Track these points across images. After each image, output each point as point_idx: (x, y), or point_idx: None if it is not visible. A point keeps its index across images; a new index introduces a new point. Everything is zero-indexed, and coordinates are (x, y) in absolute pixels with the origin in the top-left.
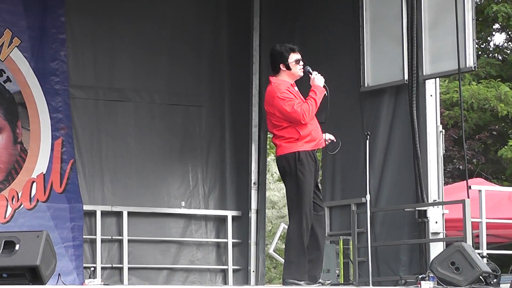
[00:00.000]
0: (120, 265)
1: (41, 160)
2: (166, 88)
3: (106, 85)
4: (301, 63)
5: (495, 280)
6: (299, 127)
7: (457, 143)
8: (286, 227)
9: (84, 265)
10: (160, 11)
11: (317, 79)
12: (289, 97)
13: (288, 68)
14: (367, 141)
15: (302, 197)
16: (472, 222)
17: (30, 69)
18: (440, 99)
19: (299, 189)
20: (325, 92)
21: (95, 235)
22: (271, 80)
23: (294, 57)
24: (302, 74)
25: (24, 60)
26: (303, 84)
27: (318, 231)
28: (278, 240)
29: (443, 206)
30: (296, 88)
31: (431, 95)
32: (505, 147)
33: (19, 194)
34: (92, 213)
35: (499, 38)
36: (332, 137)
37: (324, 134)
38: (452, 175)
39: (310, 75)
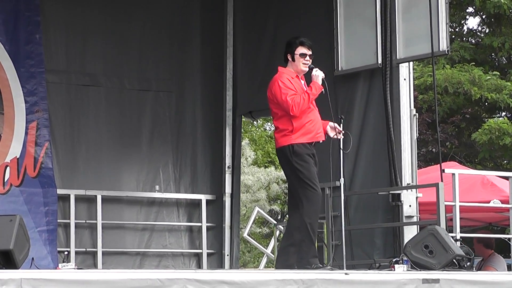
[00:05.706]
0: (94, 249)
1: (15, 144)
2: (137, 73)
3: (78, 69)
4: (308, 58)
5: (468, 264)
6: (293, 118)
7: (430, 126)
8: (261, 210)
9: (58, 249)
10: None
11: (316, 75)
12: (287, 87)
13: (293, 59)
14: (341, 125)
15: (304, 188)
16: (445, 205)
17: (5, 52)
18: (414, 83)
19: (300, 181)
20: (323, 89)
21: (69, 219)
22: (278, 69)
23: (301, 50)
24: (305, 69)
25: None
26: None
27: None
28: (252, 224)
29: (417, 189)
30: (302, 81)
31: (404, 79)
32: (479, 130)
33: None
34: (66, 198)
35: (472, 22)
36: (337, 126)
37: (330, 123)
38: (425, 159)
39: (311, 71)
